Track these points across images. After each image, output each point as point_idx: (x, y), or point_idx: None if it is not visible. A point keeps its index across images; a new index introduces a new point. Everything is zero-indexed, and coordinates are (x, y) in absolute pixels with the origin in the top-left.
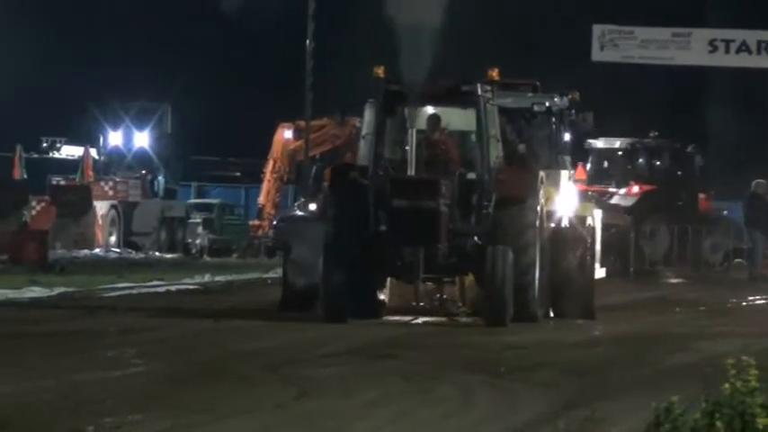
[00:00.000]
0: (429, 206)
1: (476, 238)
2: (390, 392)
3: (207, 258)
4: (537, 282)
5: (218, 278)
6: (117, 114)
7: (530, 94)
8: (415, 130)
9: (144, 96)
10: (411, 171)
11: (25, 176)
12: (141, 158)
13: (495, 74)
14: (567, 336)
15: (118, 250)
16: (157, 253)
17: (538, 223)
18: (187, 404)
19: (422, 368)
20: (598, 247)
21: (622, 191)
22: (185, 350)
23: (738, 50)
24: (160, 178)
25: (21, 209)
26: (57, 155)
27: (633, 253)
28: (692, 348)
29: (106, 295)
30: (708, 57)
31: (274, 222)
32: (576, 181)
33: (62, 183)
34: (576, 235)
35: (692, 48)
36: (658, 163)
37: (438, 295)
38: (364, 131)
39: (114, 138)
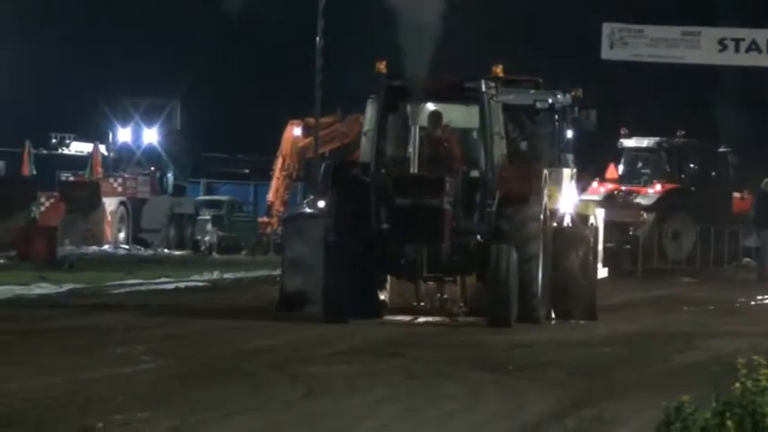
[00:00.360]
0: (432, 204)
1: (479, 237)
2: (397, 391)
3: (216, 255)
4: (541, 281)
5: (226, 275)
6: (126, 111)
7: (532, 91)
8: (417, 127)
9: (153, 93)
10: (414, 169)
11: (34, 172)
12: (150, 155)
13: (498, 70)
14: (574, 334)
15: (127, 247)
16: (166, 250)
17: (542, 222)
18: (195, 401)
19: (428, 366)
20: (600, 246)
21: (651, 190)
22: (194, 347)
23: (748, 49)
24: (169, 175)
25: (29, 205)
26: (66, 151)
27: (656, 252)
28: (701, 347)
29: (115, 292)
30: (717, 56)
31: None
32: (607, 180)
33: (71, 179)
34: (578, 234)
35: (702, 46)
36: (688, 163)
37: (439, 295)
38: (366, 128)
39: (123, 134)
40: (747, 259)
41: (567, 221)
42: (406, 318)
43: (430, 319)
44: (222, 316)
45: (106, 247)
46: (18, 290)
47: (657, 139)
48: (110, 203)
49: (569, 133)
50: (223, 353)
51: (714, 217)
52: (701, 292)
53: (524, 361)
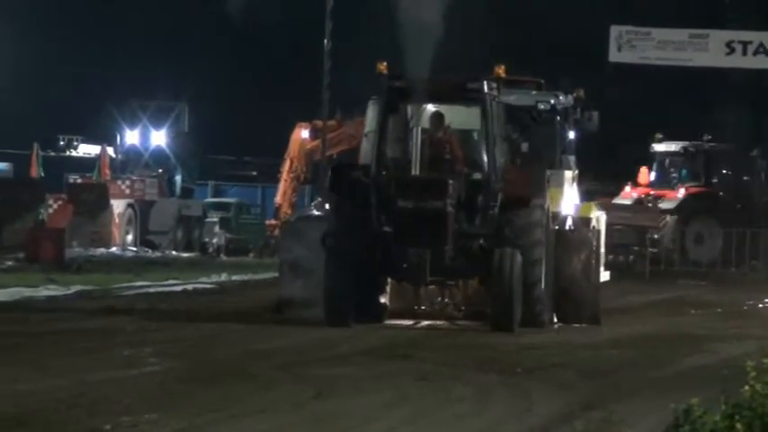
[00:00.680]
0: (435, 207)
1: (481, 240)
2: (405, 393)
3: (223, 257)
4: (544, 285)
5: (234, 277)
6: (134, 113)
7: (533, 92)
8: (419, 129)
9: (161, 95)
10: (415, 171)
11: (42, 175)
12: (158, 157)
13: (501, 71)
14: (582, 337)
15: (134, 249)
16: (174, 252)
17: (545, 225)
18: (203, 403)
19: (437, 369)
20: (602, 249)
21: (675, 194)
22: (201, 350)
23: (756, 52)
24: (177, 177)
25: (37, 207)
26: (74, 153)
27: (678, 255)
28: (709, 350)
29: (122, 294)
30: (725, 58)
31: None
32: (639, 184)
33: (79, 181)
34: (581, 238)
35: (710, 49)
36: (716, 167)
37: (440, 298)
38: (366, 129)
39: (131, 136)
40: (754, 262)
41: (568, 224)
42: (408, 322)
43: (432, 323)
44: (229, 318)
45: (114, 249)
46: (26, 292)
47: (685, 143)
48: (117, 205)
49: (571, 134)
50: (230, 355)
51: (743, 220)
52: (708, 294)
53: (533, 363)
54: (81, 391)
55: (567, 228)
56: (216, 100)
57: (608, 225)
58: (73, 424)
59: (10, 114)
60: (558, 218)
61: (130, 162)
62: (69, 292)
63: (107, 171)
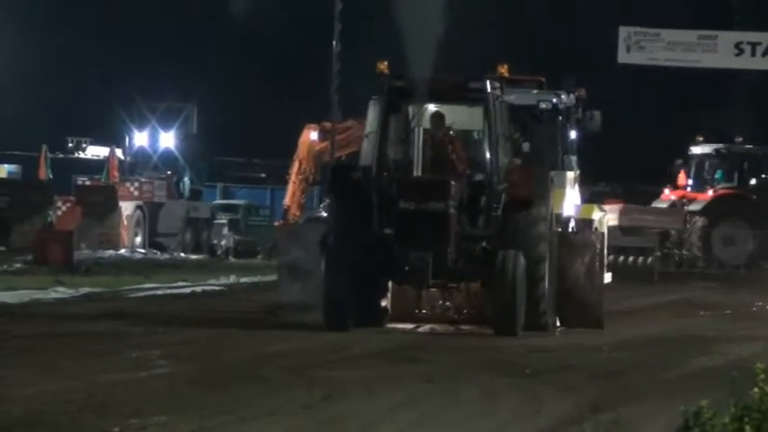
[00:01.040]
0: (438, 209)
1: (484, 242)
2: (414, 395)
3: (232, 259)
4: (548, 288)
5: (243, 279)
6: (143, 115)
7: (535, 91)
8: (420, 129)
9: (170, 97)
10: (417, 172)
11: (50, 176)
12: (167, 159)
13: (504, 69)
14: (591, 339)
15: (143, 251)
16: (182, 254)
17: (548, 226)
18: (212, 406)
19: (444, 371)
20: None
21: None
22: (210, 352)
23: (765, 53)
24: (185, 179)
25: (46, 209)
26: (82, 155)
27: (703, 256)
28: (718, 352)
29: (131, 296)
30: (734, 59)
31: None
32: (677, 187)
33: (87, 183)
34: (584, 240)
35: (719, 50)
36: (748, 169)
37: (441, 302)
38: (367, 130)
39: (140, 138)
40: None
41: (571, 226)
42: (409, 325)
43: (433, 326)
44: (238, 320)
45: (122, 251)
46: (35, 294)
47: (719, 145)
48: (126, 207)
49: (573, 134)
50: (239, 357)
51: None
52: (717, 296)
53: (541, 365)
54: (90, 393)
55: (570, 230)
56: (225, 102)
57: (628, 227)
58: (82, 426)
59: (19, 116)
60: (560, 219)
61: (139, 164)
62: (78, 294)
63: (116, 173)
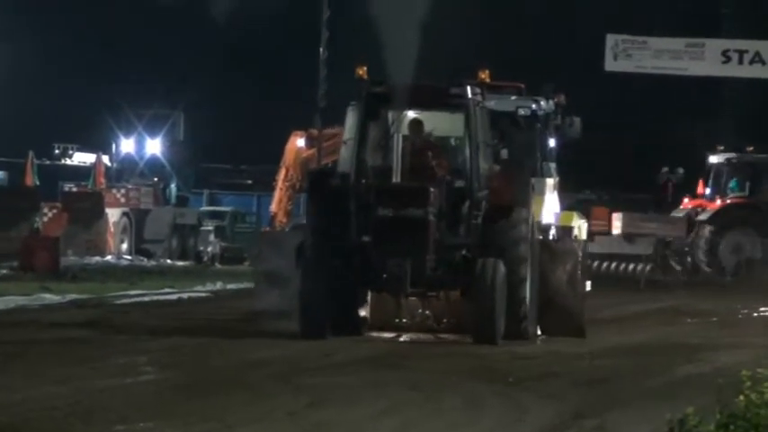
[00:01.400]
0: (416, 215)
1: (464, 250)
2: (398, 402)
3: (218, 266)
4: (529, 296)
5: (229, 286)
6: (129, 121)
7: (514, 97)
8: (400, 136)
9: (156, 104)
10: (396, 178)
11: (37, 183)
12: (153, 166)
13: (485, 75)
14: (575, 346)
15: (129, 257)
16: (169, 260)
17: (529, 234)
18: (198, 412)
19: (428, 378)
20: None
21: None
22: (196, 358)
23: (752, 61)
24: (172, 186)
25: (32, 215)
26: (69, 161)
27: (706, 264)
28: (704, 359)
29: (118, 302)
30: (721, 67)
31: (293, 229)
32: (696, 196)
33: (74, 189)
34: (565, 248)
35: (706, 58)
36: (760, 178)
37: (421, 311)
38: (346, 136)
39: (126, 145)
40: None
41: (552, 233)
42: (388, 334)
43: (414, 336)
44: (224, 327)
45: (109, 257)
46: (21, 300)
47: (730, 154)
48: (113, 214)
49: (552, 141)
50: (225, 364)
51: None
52: (703, 303)
53: (525, 373)
54: (76, 399)
55: (551, 237)
56: (211, 109)
57: (628, 235)
58: None
59: (5, 123)
60: (540, 227)
61: (126, 171)
62: (64, 300)
63: (102, 179)
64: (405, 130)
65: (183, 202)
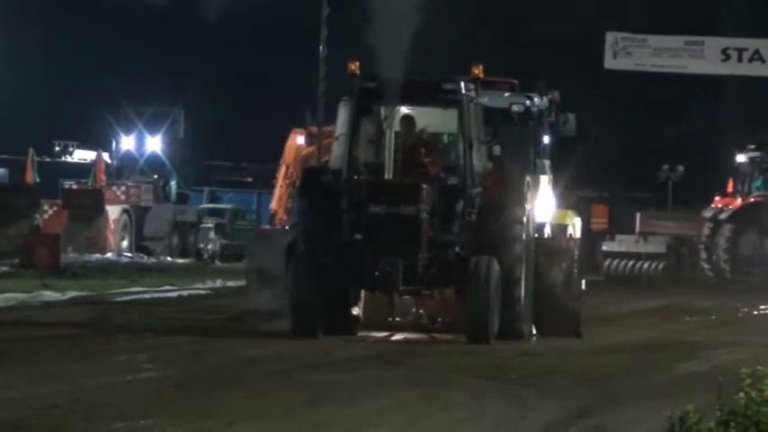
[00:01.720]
0: (408, 213)
1: (458, 248)
2: (400, 399)
3: (218, 263)
4: (524, 295)
5: (229, 283)
6: (129, 119)
7: (507, 94)
8: (392, 132)
9: (157, 101)
10: (388, 175)
11: (37, 180)
12: (153, 163)
13: (479, 71)
14: (578, 343)
15: (130, 255)
16: (169, 258)
17: (524, 232)
18: (199, 409)
19: (431, 375)
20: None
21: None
22: (197, 355)
23: (751, 59)
24: (172, 183)
25: (33, 213)
26: (69, 159)
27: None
28: (704, 357)
29: (118, 300)
30: (721, 65)
31: (286, 228)
32: (726, 195)
33: (74, 187)
34: (561, 246)
35: (706, 56)
36: None
37: (414, 309)
38: (337, 132)
39: (127, 142)
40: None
41: (546, 232)
42: (381, 334)
43: (408, 335)
44: (224, 324)
45: (109, 254)
46: (21, 297)
47: (754, 153)
48: (113, 211)
49: (546, 138)
50: (225, 361)
51: None
52: (703, 301)
53: (527, 370)
54: (76, 396)
55: (546, 236)
56: (212, 106)
57: (644, 234)
58: (68, 430)
59: (5, 120)
60: (535, 225)
61: (126, 168)
62: (64, 297)
63: (102, 177)
64: (397, 126)
65: (183, 199)
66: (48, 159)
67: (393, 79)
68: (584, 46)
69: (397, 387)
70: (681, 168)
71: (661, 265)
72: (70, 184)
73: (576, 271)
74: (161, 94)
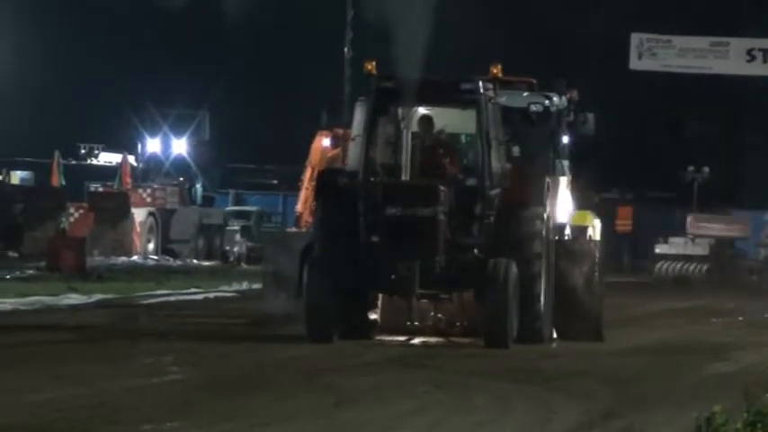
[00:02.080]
0: (425, 215)
1: (476, 250)
2: (425, 401)
3: (244, 266)
4: (544, 297)
5: (255, 286)
6: (155, 121)
7: (525, 93)
8: (409, 132)
9: (182, 104)
10: (405, 176)
11: (63, 183)
12: (179, 166)
13: (497, 70)
14: (602, 345)
15: (155, 257)
16: (195, 260)
17: (544, 234)
18: (224, 412)
19: (455, 377)
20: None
21: None
22: (222, 358)
23: None
24: (198, 186)
25: (59, 216)
26: (95, 162)
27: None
28: (730, 358)
29: (144, 302)
30: (746, 66)
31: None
32: None
33: (100, 190)
34: (582, 249)
35: (731, 57)
36: None
37: (433, 313)
38: (354, 133)
39: (152, 145)
40: None
41: (566, 233)
42: (399, 338)
43: (426, 339)
44: (250, 326)
45: (135, 257)
46: (47, 300)
47: None
48: (138, 214)
49: (565, 138)
50: (251, 363)
51: None
52: (729, 303)
53: (552, 371)
54: (101, 399)
55: (567, 237)
56: (237, 108)
57: (692, 236)
58: None
59: (31, 123)
60: (555, 226)
61: (151, 170)
62: (90, 300)
63: (128, 179)
64: (415, 126)
65: (209, 201)
66: (73, 162)
67: (410, 79)
68: (610, 47)
69: (421, 390)
70: (706, 170)
71: (705, 268)
72: (96, 186)
73: (597, 273)
74: (186, 97)
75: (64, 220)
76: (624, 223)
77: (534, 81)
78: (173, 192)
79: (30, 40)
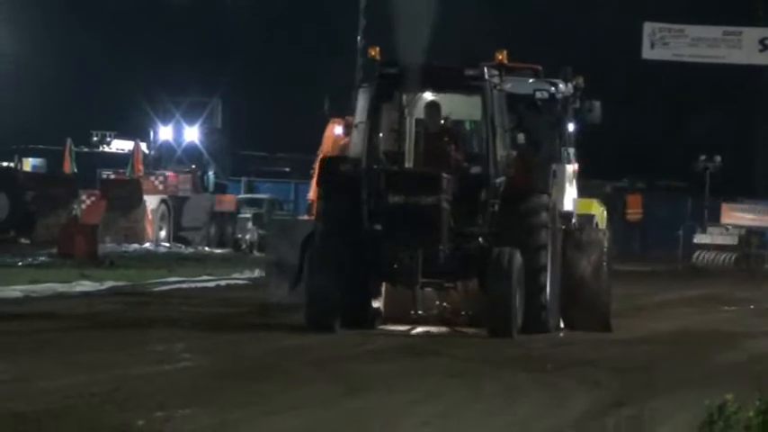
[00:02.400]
0: (429, 203)
1: (480, 239)
2: (436, 389)
3: (256, 253)
4: (549, 287)
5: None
6: (167, 109)
7: (531, 80)
8: (413, 119)
9: (194, 91)
10: (409, 164)
11: (75, 170)
12: (191, 153)
13: (502, 56)
14: (614, 334)
15: (167, 245)
16: (207, 248)
17: (550, 223)
18: (235, 399)
19: (466, 365)
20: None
21: None
22: (233, 345)
23: None
24: (210, 173)
25: (71, 203)
26: (107, 149)
27: None
28: (741, 347)
29: (156, 290)
30: (758, 55)
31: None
32: None
33: (112, 177)
34: (590, 238)
35: (743, 46)
36: None
37: (437, 302)
38: (357, 120)
39: (164, 132)
40: None
41: (573, 221)
42: (402, 327)
43: (429, 329)
44: (261, 314)
45: (147, 244)
46: (59, 287)
47: None
48: (151, 201)
49: (571, 126)
50: (262, 351)
51: None
52: (740, 291)
53: (563, 359)
54: (114, 386)
55: (573, 226)
56: (249, 96)
57: (725, 225)
58: (106, 419)
59: (43, 110)
60: (561, 215)
61: (164, 158)
62: (102, 287)
63: (140, 167)
64: (420, 113)
65: (221, 189)
66: (85, 149)
67: (414, 65)
68: (622, 36)
69: (432, 378)
70: (718, 159)
71: (733, 257)
72: (108, 174)
73: (605, 263)
74: (199, 84)
75: (76, 207)
76: (634, 212)
77: (540, 68)
78: (185, 179)
79: (43, 30)
